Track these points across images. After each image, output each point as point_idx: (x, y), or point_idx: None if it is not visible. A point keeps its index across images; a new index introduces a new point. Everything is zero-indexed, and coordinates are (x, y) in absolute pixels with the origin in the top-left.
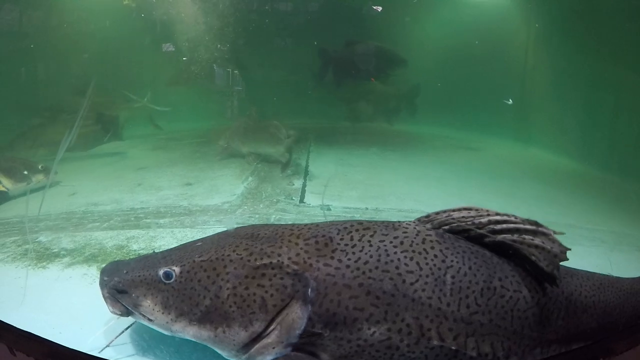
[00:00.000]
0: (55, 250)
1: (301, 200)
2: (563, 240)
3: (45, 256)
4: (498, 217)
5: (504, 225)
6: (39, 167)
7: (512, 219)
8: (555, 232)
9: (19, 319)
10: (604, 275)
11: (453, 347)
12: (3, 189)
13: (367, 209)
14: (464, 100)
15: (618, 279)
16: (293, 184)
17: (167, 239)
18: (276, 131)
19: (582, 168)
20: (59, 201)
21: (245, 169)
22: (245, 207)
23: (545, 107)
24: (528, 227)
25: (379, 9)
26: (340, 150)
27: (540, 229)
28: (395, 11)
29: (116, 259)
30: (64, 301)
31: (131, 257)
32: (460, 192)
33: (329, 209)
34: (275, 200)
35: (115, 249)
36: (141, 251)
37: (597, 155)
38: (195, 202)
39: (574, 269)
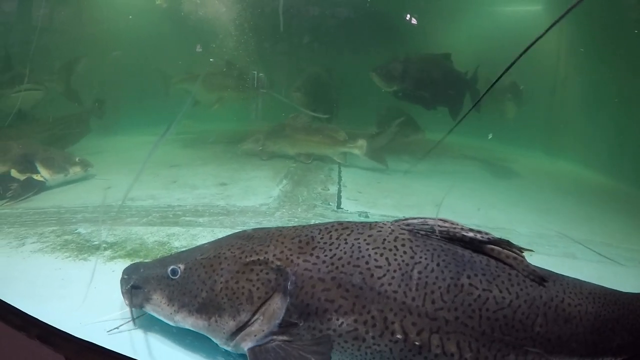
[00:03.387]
0: (95, 243)
1: (338, 206)
2: (597, 261)
3: (85, 248)
4: (471, 234)
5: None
6: (76, 159)
7: (485, 238)
8: (524, 250)
9: (75, 320)
10: (596, 285)
11: (416, 343)
12: (41, 178)
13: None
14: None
15: (614, 292)
16: (328, 189)
17: (208, 237)
18: (334, 134)
19: (611, 183)
20: (95, 194)
21: (278, 172)
22: (284, 210)
23: (576, 120)
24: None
25: (408, 16)
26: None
27: (512, 249)
28: (427, 20)
29: (158, 256)
30: (107, 297)
31: (173, 253)
32: (498, 205)
33: (366, 216)
34: (312, 204)
35: (157, 245)
36: (182, 248)
37: (627, 170)
38: (232, 202)
39: (560, 274)
